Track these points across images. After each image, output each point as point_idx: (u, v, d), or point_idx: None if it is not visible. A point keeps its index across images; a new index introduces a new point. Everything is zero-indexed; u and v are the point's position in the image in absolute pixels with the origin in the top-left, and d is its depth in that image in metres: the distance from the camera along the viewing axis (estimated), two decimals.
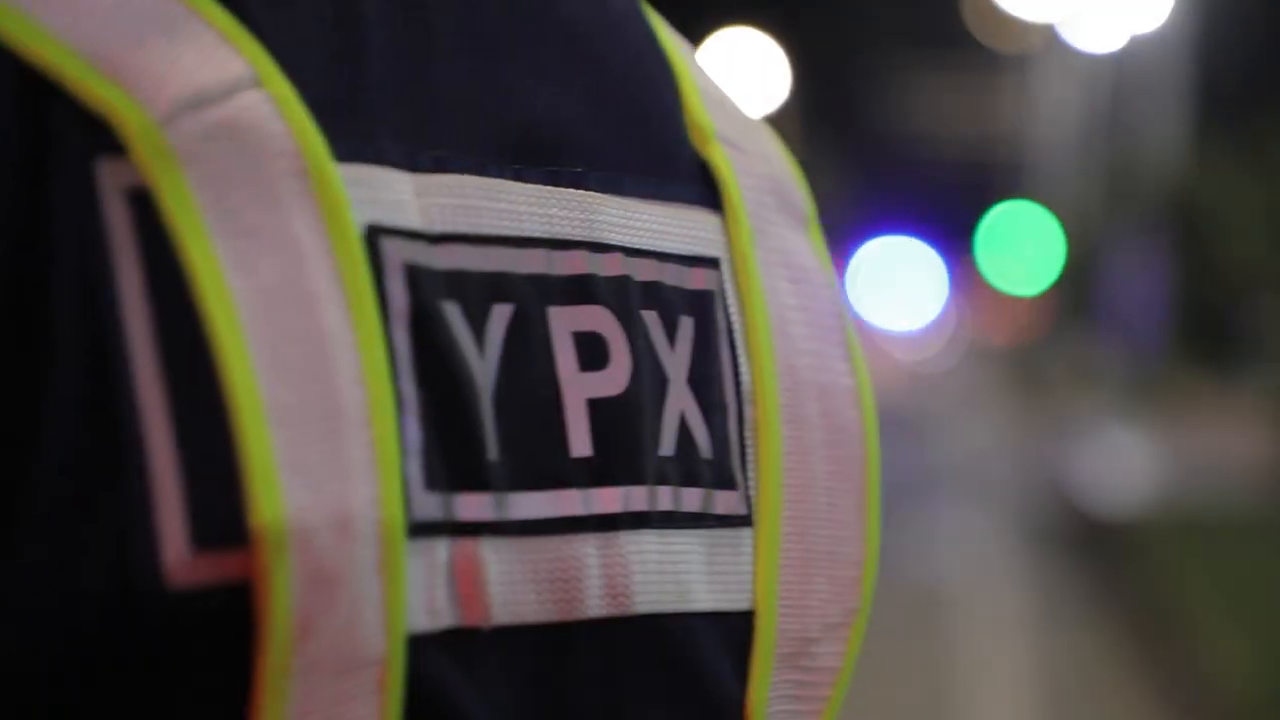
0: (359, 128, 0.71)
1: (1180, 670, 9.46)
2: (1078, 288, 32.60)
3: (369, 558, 0.66)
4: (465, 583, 0.69)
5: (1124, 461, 17.43)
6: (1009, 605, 11.66)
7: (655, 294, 0.76)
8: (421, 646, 0.68)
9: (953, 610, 11.44)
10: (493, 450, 0.71)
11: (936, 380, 26.85)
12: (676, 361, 0.77)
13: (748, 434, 0.79)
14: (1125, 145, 29.68)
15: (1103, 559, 14.33)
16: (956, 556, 13.64)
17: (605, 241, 0.76)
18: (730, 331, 0.79)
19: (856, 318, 26.65)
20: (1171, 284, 25.50)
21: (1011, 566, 13.32)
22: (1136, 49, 30.07)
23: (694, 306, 0.78)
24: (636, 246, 0.76)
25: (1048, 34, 44.42)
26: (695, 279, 0.78)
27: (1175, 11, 27.79)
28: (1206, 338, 25.35)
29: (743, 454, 0.78)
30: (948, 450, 22.70)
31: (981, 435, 25.45)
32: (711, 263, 0.79)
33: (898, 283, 30.62)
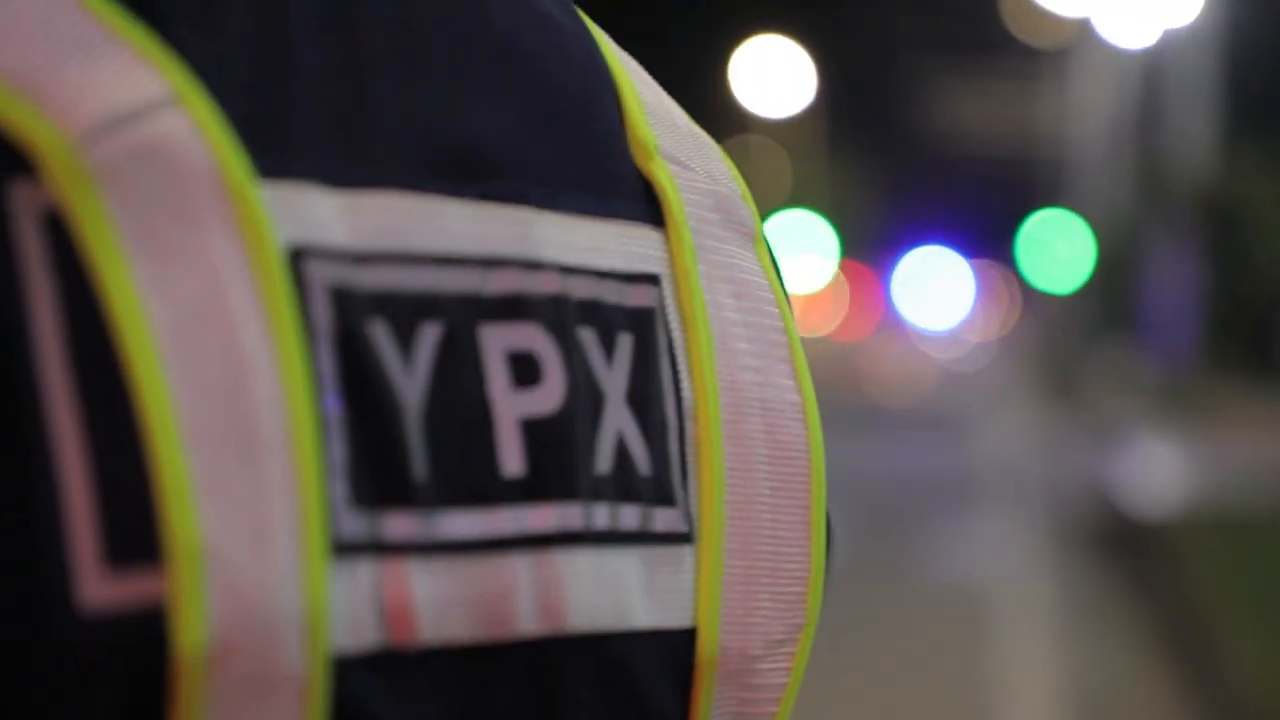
0: (284, 146, 0.70)
1: (1211, 673, 9.43)
2: (1110, 289, 32.52)
3: (289, 577, 0.66)
4: (392, 603, 0.69)
5: (1157, 464, 17.37)
6: (1042, 608, 11.63)
7: (593, 311, 0.76)
8: (348, 667, 0.68)
9: (986, 613, 11.41)
10: (421, 469, 0.70)
11: (969, 379, 26.79)
12: (614, 379, 0.76)
13: (689, 451, 0.78)
14: (1157, 145, 29.58)
15: (1136, 562, 14.28)
16: (990, 558, 13.61)
17: (541, 259, 0.75)
18: (672, 348, 0.78)
19: (897, 318, 26.69)
20: (1204, 286, 25.41)
21: (1044, 569, 13.29)
22: (1168, 48, 29.97)
23: (633, 323, 0.77)
24: (574, 264, 0.76)
25: (1081, 30, 44.37)
26: (635, 296, 0.77)
27: (1207, 8, 27.71)
28: (1240, 339, 25.26)
29: (684, 471, 0.78)
30: (980, 451, 22.66)
31: (1012, 436, 25.39)
32: (652, 279, 0.78)
33: (930, 286, 30.79)
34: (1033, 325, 49.67)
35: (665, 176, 0.80)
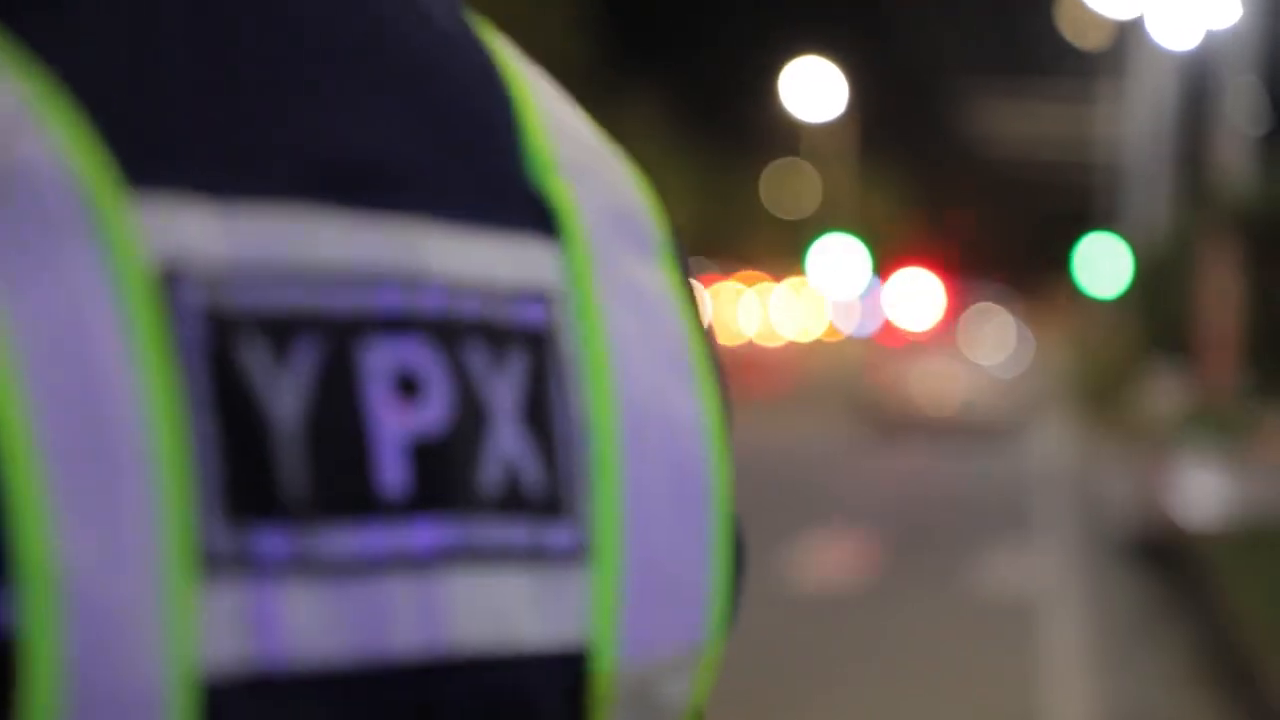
0: (157, 155, 0.68)
1: (1252, 689, 9.37)
2: (1155, 304, 32.38)
3: (149, 597, 0.64)
4: (263, 624, 0.67)
5: (1201, 481, 17.28)
6: (1082, 624, 11.58)
7: (482, 328, 0.74)
8: (215, 692, 0.66)
9: (1025, 628, 11.36)
10: (295, 489, 0.69)
11: (1008, 388, 26.71)
12: (504, 397, 0.74)
13: (586, 470, 0.76)
14: (1201, 161, 29.49)
15: (1177, 578, 14.20)
16: (1029, 574, 13.56)
17: (428, 274, 0.73)
18: (567, 364, 0.76)
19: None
20: (1248, 302, 25.28)
21: (1084, 585, 13.23)
22: (1211, 60, 29.84)
23: (526, 341, 0.75)
24: (463, 280, 0.74)
25: (1126, 37, 44.30)
26: (528, 311, 0.75)
27: (1248, 11, 27.62)
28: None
29: (580, 490, 0.76)
30: (1021, 465, 22.61)
31: (1056, 450, 25.31)
32: (546, 296, 0.76)
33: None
34: (1080, 337, 49.59)
35: (563, 190, 0.78)
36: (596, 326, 0.77)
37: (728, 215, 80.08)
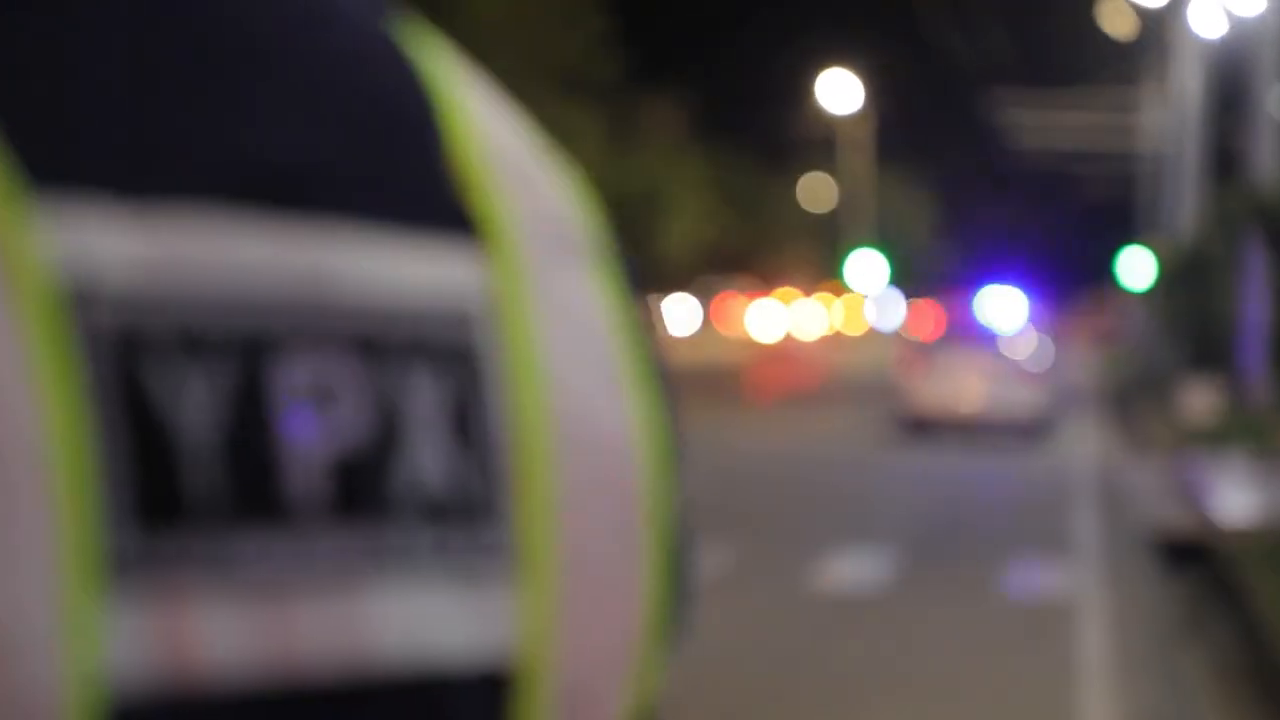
0: (62, 167, 0.65)
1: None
2: (1186, 307, 32.26)
3: (45, 618, 0.63)
4: (174, 645, 0.66)
5: (1230, 482, 17.21)
6: (1115, 625, 11.53)
7: (400, 339, 0.72)
8: (123, 703, 0.65)
9: (1057, 630, 11.32)
10: (207, 505, 0.67)
11: (1039, 386, 26.65)
12: (422, 407, 0.73)
13: (510, 480, 0.74)
14: (1231, 154, 29.37)
15: (1210, 580, 14.15)
16: (1060, 576, 13.52)
17: (344, 288, 0.71)
18: (489, 375, 0.74)
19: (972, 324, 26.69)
20: (1275, 301, 25.16)
21: (1117, 584, 13.18)
22: (1243, 53, 29.72)
23: (447, 350, 0.73)
24: (381, 290, 0.72)
25: (1162, 26, 44.22)
26: (449, 322, 0.73)
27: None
28: None
29: (504, 500, 0.75)
30: (1052, 465, 22.55)
31: (1089, 451, 25.25)
32: (470, 304, 0.74)
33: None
34: (1115, 339, 49.49)
35: (488, 199, 0.76)
36: (522, 335, 0.75)
37: (763, 228, 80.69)
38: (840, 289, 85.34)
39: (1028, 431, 26.61)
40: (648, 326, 0.80)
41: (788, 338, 51.53)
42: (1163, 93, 50.70)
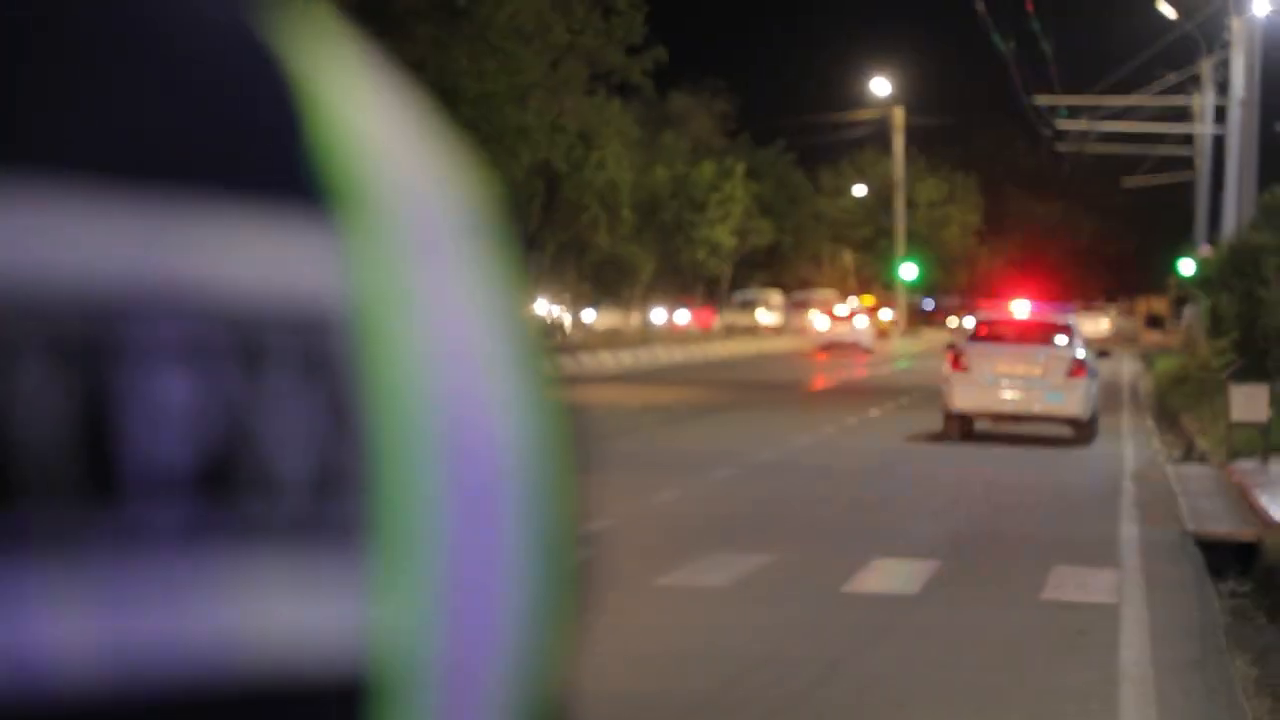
0: None
1: None
2: (1238, 309, 32.10)
3: None
4: (12, 640, 0.64)
5: (1276, 482, 17.11)
6: (1163, 626, 11.47)
7: (254, 316, 0.71)
8: None
9: (1110, 631, 11.27)
10: (40, 484, 0.66)
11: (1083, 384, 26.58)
12: (279, 385, 0.71)
13: (363, 468, 0.72)
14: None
15: (1255, 582, 14.06)
16: (1104, 576, 13.46)
17: (195, 264, 0.70)
18: (350, 356, 0.73)
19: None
20: None
21: (1160, 586, 13.11)
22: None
23: (304, 330, 0.72)
24: (233, 281, 0.71)
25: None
26: (307, 301, 0.72)
27: None
28: None
29: (366, 483, 0.72)
30: (1098, 465, 22.48)
31: (1130, 451, 25.17)
32: (332, 293, 0.73)
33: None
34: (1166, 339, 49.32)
35: (354, 183, 0.75)
36: (382, 317, 0.74)
37: (806, 231, 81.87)
38: (887, 291, 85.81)
39: (1072, 428, 26.54)
40: (529, 319, 0.79)
41: (850, 331, 62.84)
42: (1215, 82, 50.57)
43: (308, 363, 0.71)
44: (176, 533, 0.68)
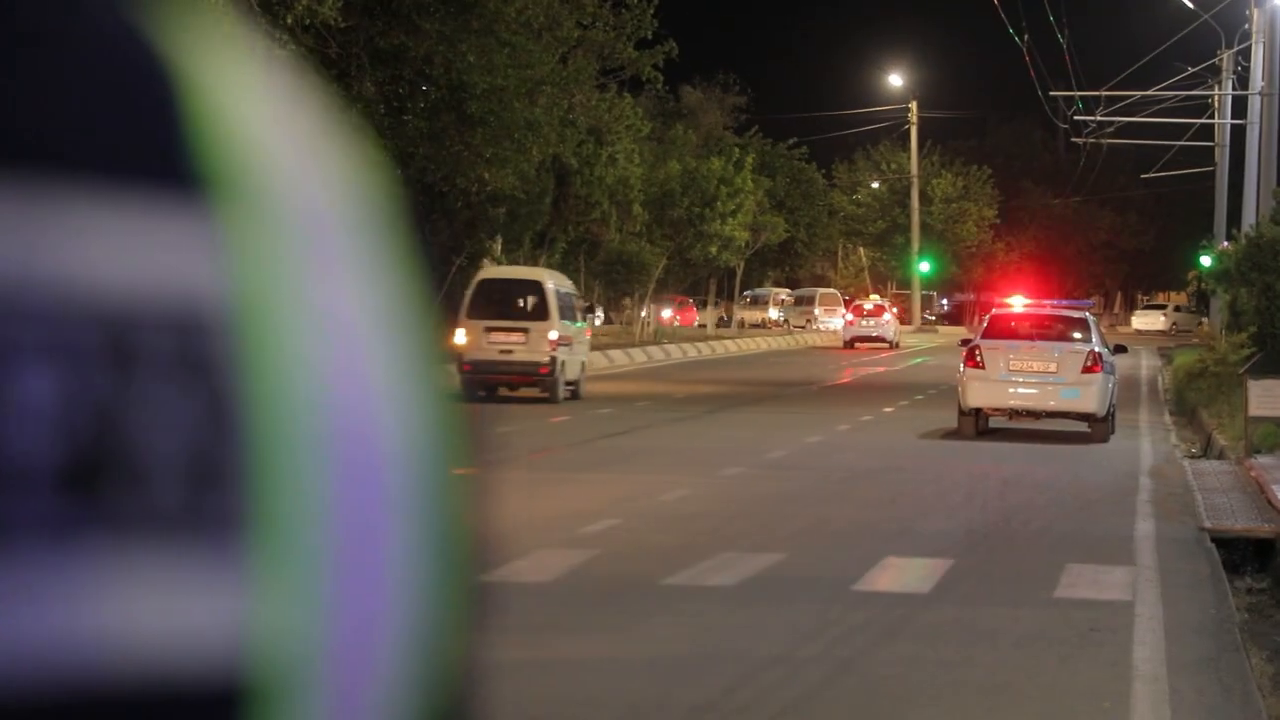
0: None
1: None
2: (1254, 297, 31.90)
3: None
4: None
5: None
6: (1178, 622, 11.32)
7: (135, 306, 0.72)
8: None
9: (1126, 627, 11.11)
10: None
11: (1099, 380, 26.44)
12: (158, 377, 0.72)
13: (242, 462, 0.73)
14: None
15: (1271, 579, 13.91)
16: (1126, 572, 13.31)
17: (77, 251, 0.71)
18: (220, 358, 0.73)
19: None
20: None
21: (1174, 583, 12.95)
22: None
23: (185, 324, 0.73)
24: (112, 273, 0.71)
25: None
26: (185, 304, 0.73)
27: None
28: None
29: (245, 477, 0.73)
30: (1117, 462, 22.35)
31: (1146, 447, 25.02)
32: (211, 288, 0.73)
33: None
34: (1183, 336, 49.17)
35: (235, 182, 0.75)
36: (270, 317, 0.75)
37: (821, 229, 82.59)
38: (907, 290, 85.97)
39: (1088, 425, 26.38)
40: (415, 316, 0.79)
41: (876, 325, 66.82)
42: (1235, 74, 50.36)
43: (184, 357, 0.72)
44: (41, 529, 0.68)
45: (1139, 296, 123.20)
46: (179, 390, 0.71)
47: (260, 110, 0.77)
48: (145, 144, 0.74)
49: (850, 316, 68.31)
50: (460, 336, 30.90)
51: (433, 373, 0.79)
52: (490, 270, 34.30)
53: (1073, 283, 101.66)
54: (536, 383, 31.45)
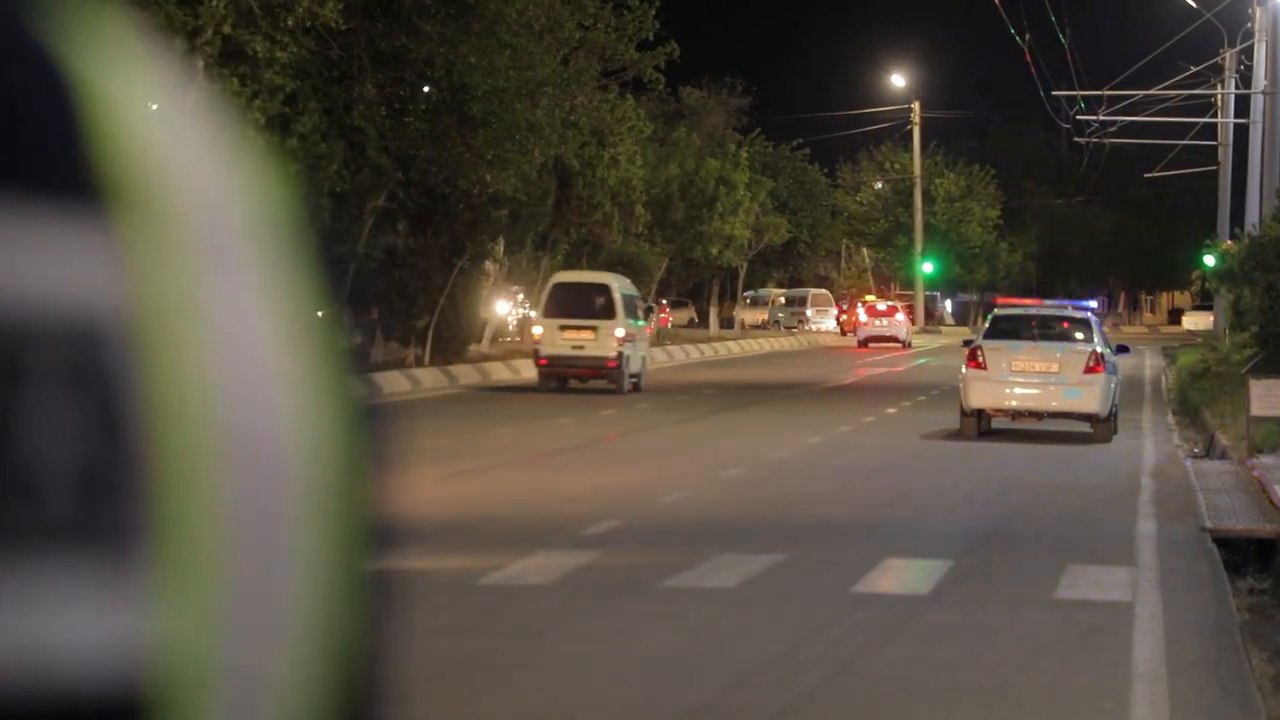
0: None
1: None
2: (1256, 295, 31.86)
3: None
4: None
5: None
6: (1179, 623, 11.30)
7: (33, 318, 0.72)
8: None
9: (1126, 628, 11.10)
10: None
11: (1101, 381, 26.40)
12: (54, 387, 0.71)
13: (137, 473, 0.72)
14: None
15: (1271, 579, 13.89)
16: (1127, 572, 13.29)
17: None
18: (115, 369, 0.73)
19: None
20: None
21: (1175, 584, 12.93)
22: None
23: (84, 336, 0.73)
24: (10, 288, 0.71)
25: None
26: (80, 315, 0.73)
27: None
28: None
29: (144, 489, 0.73)
30: (1122, 460, 22.33)
31: (1149, 447, 24.99)
32: (107, 299, 0.73)
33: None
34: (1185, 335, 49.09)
35: (133, 193, 0.75)
36: (169, 328, 0.74)
37: (825, 232, 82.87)
38: (909, 291, 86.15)
39: (1091, 425, 26.35)
40: (321, 326, 0.79)
41: (889, 325, 68.57)
42: (1238, 73, 50.31)
43: (78, 368, 0.72)
44: None
45: (1143, 296, 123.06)
46: (73, 401, 0.71)
47: (160, 123, 0.77)
48: (40, 155, 0.73)
49: (864, 317, 70.06)
50: (537, 333, 35.12)
51: (334, 376, 0.78)
52: (563, 275, 37.78)
53: (1076, 283, 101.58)
54: (604, 375, 34.84)
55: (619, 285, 36.27)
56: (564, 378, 34.96)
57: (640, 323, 36.84)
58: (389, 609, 0.80)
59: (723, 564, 13.38)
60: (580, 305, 34.99)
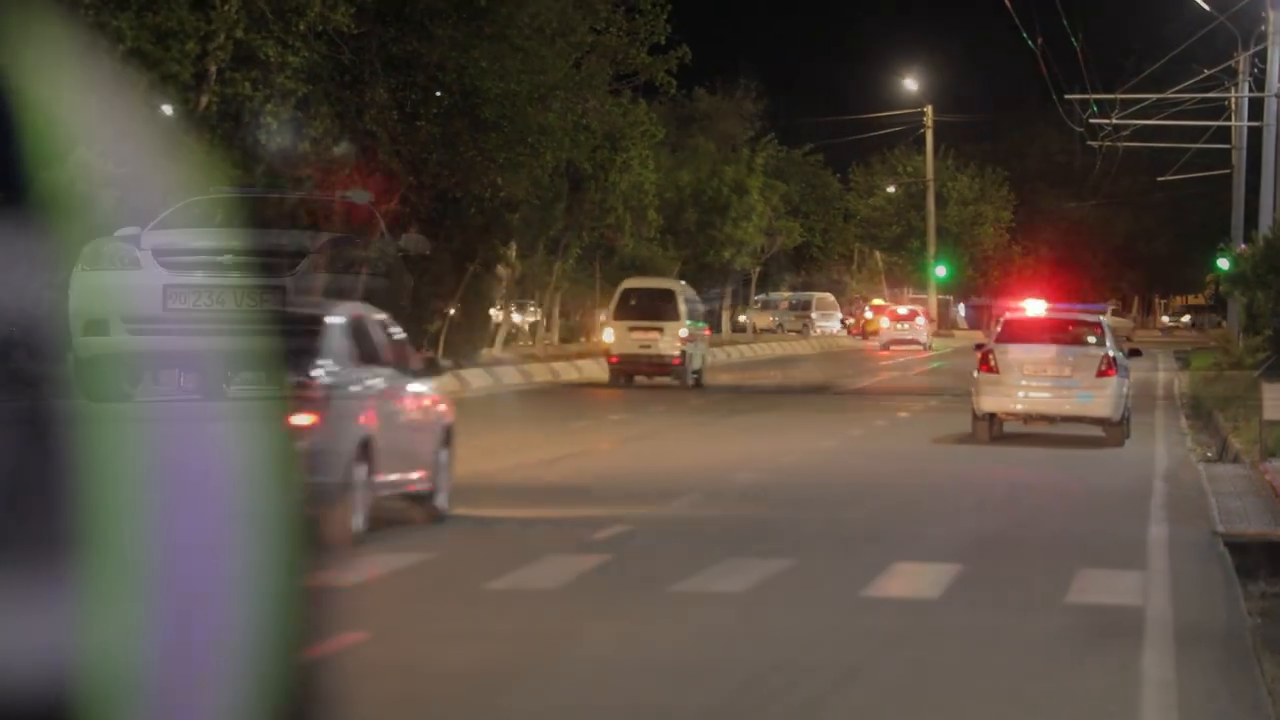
0: None
1: None
2: (1270, 302, 31.78)
3: None
4: None
5: None
6: (1190, 629, 11.24)
7: None
8: None
9: (1138, 635, 11.04)
10: None
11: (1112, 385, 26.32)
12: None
13: (64, 485, 0.65)
14: None
15: None
16: (1138, 578, 13.23)
17: None
18: (44, 380, 0.66)
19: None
20: None
21: (1187, 589, 12.88)
22: None
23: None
24: None
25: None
26: (17, 313, 0.66)
27: None
28: None
29: (76, 500, 0.65)
30: (1130, 465, 22.25)
31: (1161, 451, 24.91)
32: (37, 307, 0.66)
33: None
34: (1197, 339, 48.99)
35: (74, 195, 0.66)
36: (103, 338, 0.67)
37: (838, 234, 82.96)
38: (922, 295, 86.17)
39: (1103, 429, 26.26)
40: (277, 345, 0.66)
41: (910, 329, 70.29)
42: (1251, 75, 50.21)
43: (7, 376, 0.64)
44: None
45: (1156, 300, 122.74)
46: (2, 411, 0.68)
47: (88, 129, 0.74)
48: None
49: (886, 322, 72.26)
50: (608, 335, 39.44)
51: (269, 384, 0.75)
52: (631, 281, 41.91)
53: (1089, 286, 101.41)
54: (669, 372, 38.67)
55: (682, 290, 40.22)
56: (632, 374, 38.90)
57: (701, 324, 40.35)
58: (316, 614, 0.77)
59: (732, 568, 13.33)
60: (648, 308, 38.84)
